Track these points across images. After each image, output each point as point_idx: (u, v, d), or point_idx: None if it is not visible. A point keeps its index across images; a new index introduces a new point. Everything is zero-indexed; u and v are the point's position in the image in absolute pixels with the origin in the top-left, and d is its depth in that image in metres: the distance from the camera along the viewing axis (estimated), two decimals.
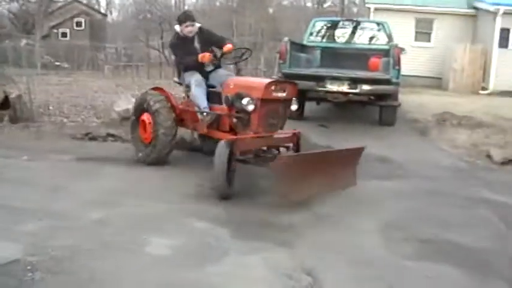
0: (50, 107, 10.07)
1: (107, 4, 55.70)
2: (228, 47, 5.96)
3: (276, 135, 5.57)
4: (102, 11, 52.43)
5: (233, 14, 37.56)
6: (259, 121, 5.24)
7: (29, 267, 3.44)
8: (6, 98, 8.46)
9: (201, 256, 3.73)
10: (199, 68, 6.00)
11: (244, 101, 5.10)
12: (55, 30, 41.46)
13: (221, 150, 4.92)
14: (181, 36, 6.10)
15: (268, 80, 5.58)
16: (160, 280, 3.35)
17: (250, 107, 5.13)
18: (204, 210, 4.69)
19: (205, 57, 5.80)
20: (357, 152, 5.20)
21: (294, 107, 5.61)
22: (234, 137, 5.28)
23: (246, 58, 6.48)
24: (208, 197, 5.09)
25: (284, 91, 5.34)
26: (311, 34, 10.87)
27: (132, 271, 3.46)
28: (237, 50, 6.31)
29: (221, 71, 6.20)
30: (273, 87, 5.25)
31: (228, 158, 4.92)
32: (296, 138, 5.64)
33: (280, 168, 4.72)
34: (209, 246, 3.90)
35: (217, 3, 44.86)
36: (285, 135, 5.68)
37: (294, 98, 5.52)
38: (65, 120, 9.07)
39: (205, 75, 6.07)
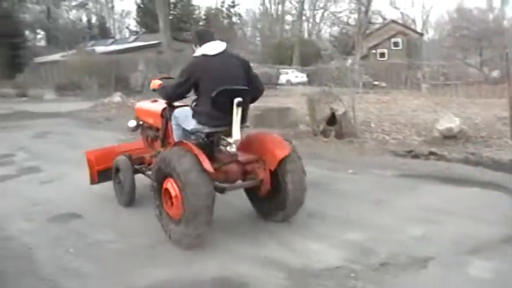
0: (372, 124, 10.39)
1: (423, 23, 55.78)
2: None
3: None
4: (419, 30, 52.53)
5: None
6: None
7: (352, 275, 3.58)
8: (333, 114, 8.98)
9: None
10: None
11: None
12: (373, 51, 43.05)
13: None
14: None
15: None
16: None
17: None
18: None
19: None
20: None
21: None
22: None
23: None
24: None
25: None
26: None
27: None
28: None
29: None
30: None
31: None
32: None
33: None
34: None
35: None
36: None
37: None
38: (387, 137, 9.20)
39: None
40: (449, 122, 8.62)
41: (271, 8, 54.06)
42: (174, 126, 4.83)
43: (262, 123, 10.28)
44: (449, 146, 8.02)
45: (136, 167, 5.50)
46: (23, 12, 44.78)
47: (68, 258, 4.15)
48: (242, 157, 4.63)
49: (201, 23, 50.04)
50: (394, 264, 3.73)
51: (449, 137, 8.32)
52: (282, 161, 4.44)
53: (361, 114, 10.95)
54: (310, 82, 31.91)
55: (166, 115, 5.10)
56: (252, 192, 4.88)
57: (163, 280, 3.67)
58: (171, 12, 40.53)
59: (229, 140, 4.35)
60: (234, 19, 51.84)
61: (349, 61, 22.72)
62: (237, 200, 5.30)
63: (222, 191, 4.38)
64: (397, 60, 34.22)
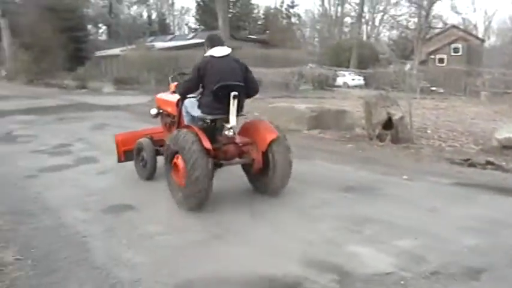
0: (428, 131, 10.30)
1: (485, 29, 54.22)
2: None
3: None
4: (480, 36, 51.10)
5: None
6: None
7: (402, 282, 3.58)
8: (390, 119, 8.96)
9: None
10: None
11: None
12: (432, 56, 42.19)
13: None
14: None
15: None
16: None
17: None
18: None
19: None
20: None
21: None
22: None
23: None
24: None
25: None
26: None
27: None
28: None
29: None
30: None
31: None
32: None
33: None
34: None
35: None
36: None
37: None
38: (443, 144, 9.10)
39: None
40: (509, 131, 8.46)
41: (330, 9, 53.85)
42: (184, 113, 5.95)
43: (317, 124, 10.37)
44: (507, 156, 7.86)
45: (157, 148, 6.38)
46: (86, 7, 46.24)
47: (121, 249, 4.29)
48: (239, 140, 5.68)
49: (259, 22, 50.41)
50: (445, 274, 3.70)
51: (508, 147, 8.17)
52: (271, 143, 5.47)
53: (418, 120, 10.85)
54: (367, 85, 31.71)
55: (180, 104, 6.07)
56: (248, 170, 5.89)
57: (212, 275, 3.75)
58: (230, 10, 41.00)
59: (227, 125, 5.33)
60: (293, 19, 51.85)
61: (408, 66, 22.41)
62: (289, 201, 5.51)
63: (220, 166, 5.49)
64: (457, 67, 33.45)
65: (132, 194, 5.99)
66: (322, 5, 54.05)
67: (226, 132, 5.40)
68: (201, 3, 49.17)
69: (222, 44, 5.63)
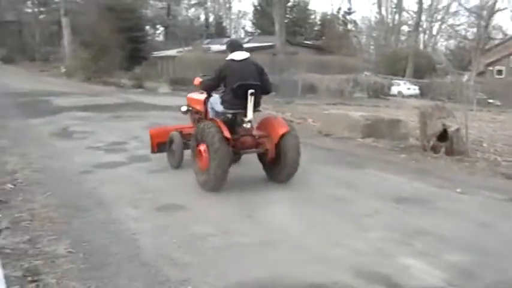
0: (484, 144, 10.11)
1: None
2: None
3: None
4: None
5: None
6: None
7: None
8: (445, 130, 8.86)
9: None
10: None
11: None
12: (490, 68, 41.05)
13: None
14: None
15: None
16: None
17: None
18: None
19: None
20: None
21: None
22: None
23: None
24: None
25: None
26: None
27: None
28: None
29: None
30: None
31: None
32: None
33: None
34: None
35: None
36: None
37: None
38: (499, 158, 8.90)
39: None
40: None
41: (387, 16, 53.18)
42: (209, 109, 6.90)
43: (371, 133, 10.35)
44: None
45: (185, 141, 7.23)
46: (145, 8, 47.28)
47: (171, 248, 4.38)
48: (255, 132, 6.63)
49: (315, 28, 50.27)
50: None
51: None
52: (283, 136, 6.37)
53: (474, 132, 10.64)
54: (422, 95, 31.22)
55: (206, 102, 7.02)
56: (263, 160, 6.75)
57: (259, 280, 3.81)
58: (287, 15, 41.12)
59: (245, 119, 6.26)
60: (349, 26, 51.49)
61: (465, 77, 21.93)
62: (341, 208, 5.58)
63: (238, 154, 6.55)
64: None
65: (184, 194, 6.13)
66: (379, 12, 53.50)
67: (244, 125, 6.34)
68: (258, 7, 49.51)
69: (242, 49, 6.62)
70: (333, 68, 30.26)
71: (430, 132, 9.08)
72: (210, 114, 6.83)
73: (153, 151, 7.85)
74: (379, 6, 53.29)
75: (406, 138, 10.54)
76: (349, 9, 51.12)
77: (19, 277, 3.71)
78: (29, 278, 3.71)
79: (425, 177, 7.33)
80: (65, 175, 7.11)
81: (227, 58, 6.51)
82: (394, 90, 32.87)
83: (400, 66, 40.02)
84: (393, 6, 52.45)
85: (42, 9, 49.80)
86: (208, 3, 57.38)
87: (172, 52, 37.60)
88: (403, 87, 33.78)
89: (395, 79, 35.15)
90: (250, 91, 6.10)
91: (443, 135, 8.91)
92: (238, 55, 6.45)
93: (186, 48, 35.06)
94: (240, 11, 59.19)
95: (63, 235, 4.64)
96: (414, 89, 33.45)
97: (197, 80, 7.16)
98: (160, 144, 7.74)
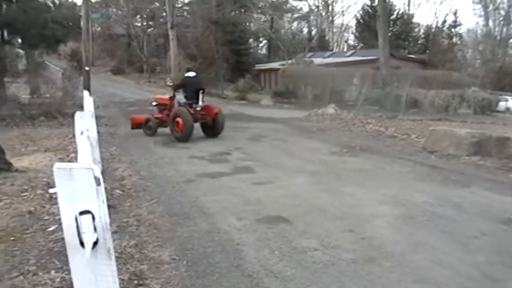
0: None
1: None
2: None
3: None
4: None
5: None
6: None
7: None
8: None
9: None
10: None
11: None
12: None
13: None
14: None
15: None
16: None
17: None
18: None
19: None
20: None
21: None
22: None
23: None
24: None
25: None
26: None
27: None
28: None
29: None
30: None
31: None
32: None
33: None
34: None
35: None
36: None
37: None
38: None
39: None
40: None
41: (494, 29, 50.59)
42: (176, 102, 12.95)
43: (477, 150, 10.04)
44: None
45: (156, 121, 13.23)
46: (248, 21, 48.45)
47: (273, 260, 4.45)
48: (202, 112, 12.77)
49: (419, 42, 48.93)
50: None
51: None
52: (216, 114, 12.81)
53: None
54: None
55: (173, 99, 13.11)
56: (204, 126, 13.08)
57: None
58: (390, 28, 40.45)
59: (197, 106, 12.64)
60: (455, 39, 49.55)
61: None
62: (447, 229, 5.54)
63: (196, 122, 12.41)
64: None
65: (286, 207, 6.23)
66: (486, 25, 51.07)
67: (197, 109, 12.65)
68: (361, 20, 49.06)
69: (193, 71, 13.67)
70: (437, 83, 29.31)
71: None
72: (176, 105, 12.74)
73: (132, 128, 13.46)
74: (486, 19, 50.95)
75: None
76: (455, 21, 49.17)
77: (126, 280, 3.90)
78: (135, 282, 3.91)
79: None
80: (170, 183, 7.48)
81: (185, 75, 13.35)
82: (502, 106, 31.15)
83: (508, 81, 37.90)
84: (501, 18, 49.81)
85: (150, 22, 52.64)
86: (311, 17, 57.62)
87: (275, 65, 38.16)
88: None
89: (504, 95, 33.31)
90: (200, 91, 12.69)
91: None
92: (191, 73, 13.23)
93: (289, 61, 35.40)
94: (342, 24, 58.73)
95: (168, 242, 4.88)
96: None
97: (172, 83, 14.14)
98: (136, 125, 13.44)
